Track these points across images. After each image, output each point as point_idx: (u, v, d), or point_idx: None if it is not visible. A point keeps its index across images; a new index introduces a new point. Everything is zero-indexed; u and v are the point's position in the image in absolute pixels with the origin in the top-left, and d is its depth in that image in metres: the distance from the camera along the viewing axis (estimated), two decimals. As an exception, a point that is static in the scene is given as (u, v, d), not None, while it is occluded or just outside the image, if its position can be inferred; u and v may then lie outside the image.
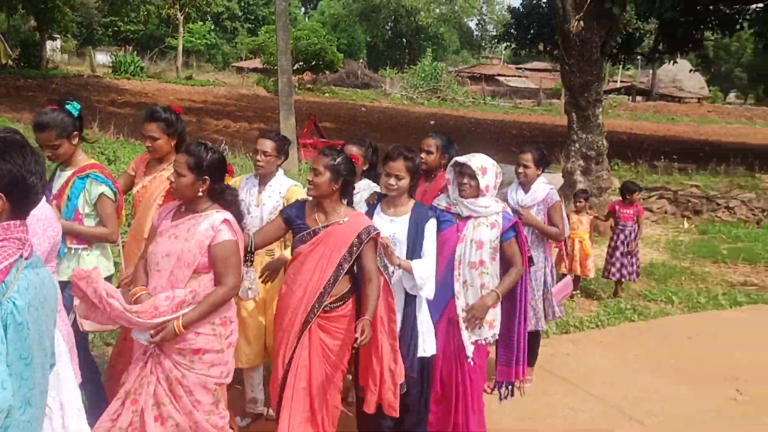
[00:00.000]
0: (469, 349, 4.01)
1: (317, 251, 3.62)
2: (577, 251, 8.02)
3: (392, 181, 3.88)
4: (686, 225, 12.98)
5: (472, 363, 4.02)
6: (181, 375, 3.33)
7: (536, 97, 50.42)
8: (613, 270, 8.24)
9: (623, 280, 8.30)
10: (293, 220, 3.73)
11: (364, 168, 4.60)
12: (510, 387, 4.44)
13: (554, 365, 5.96)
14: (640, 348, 6.62)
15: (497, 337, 4.18)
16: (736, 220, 13.43)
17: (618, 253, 8.22)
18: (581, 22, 10.45)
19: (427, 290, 3.86)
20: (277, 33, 13.78)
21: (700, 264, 10.26)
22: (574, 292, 8.18)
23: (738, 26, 18.78)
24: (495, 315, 4.10)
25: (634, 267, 8.24)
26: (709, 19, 19.16)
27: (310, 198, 3.74)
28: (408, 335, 3.89)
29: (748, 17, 17.29)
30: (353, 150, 4.50)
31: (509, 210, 4.22)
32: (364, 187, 4.46)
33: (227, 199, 3.50)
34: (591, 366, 6.06)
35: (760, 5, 15.60)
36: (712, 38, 30.65)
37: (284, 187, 4.44)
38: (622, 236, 8.24)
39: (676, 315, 7.83)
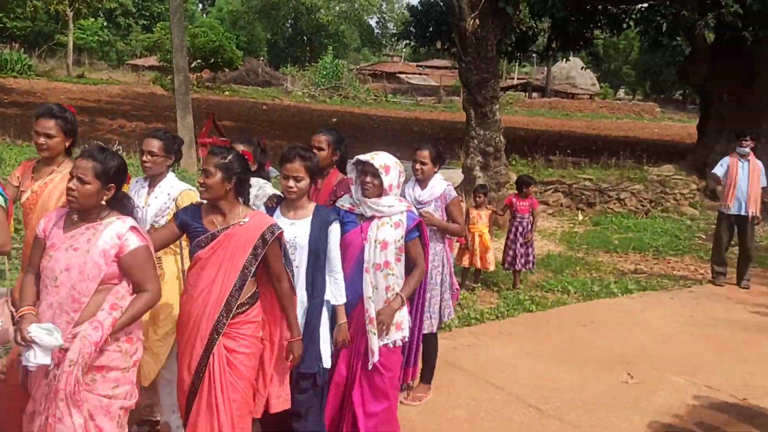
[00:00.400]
0: (376, 355, 3.94)
1: (218, 255, 3.47)
2: (477, 245, 8.20)
3: (291, 183, 3.77)
4: (580, 217, 13.47)
5: (376, 367, 3.95)
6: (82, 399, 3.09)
7: (437, 94, 51.20)
8: (516, 261, 8.44)
9: (522, 269, 8.54)
10: (189, 224, 3.55)
11: (253, 168, 4.50)
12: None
13: (456, 357, 6.07)
14: (538, 337, 6.83)
15: (406, 340, 4.15)
16: (626, 211, 14.04)
17: (517, 245, 8.44)
18: (477, 21, 10.65)
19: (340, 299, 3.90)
20: (171, 30, 13.45)
21: (593, 254, 10.67)
22: (474, 285, 8.38)
23: (625, 25, 19.50)
24: (402, 317, 4.06)
25: (531, 257, 8.49)
26: (598, 19, 19.85)
27: (205, 201, 3.60)
28: (308, 341, 3.79)
29: (633, 17, 17.97)
30: (240, 148, 4.40)
31: (414, 209, 4.20)
32: (253, 184, 4.35)
33: (127, 206, 3.35)
34: (492, 356, 6.21)
35: (645, 5, 16.27)
36: (602, 37, 31.85)
37: (175, 190, 4.23)
38: (520, 228, 8.47)
39: (572, 304, 8.11)
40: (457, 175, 12.37)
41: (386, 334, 3.99)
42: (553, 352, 6.43)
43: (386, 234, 3.95)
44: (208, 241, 3.49)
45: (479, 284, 8.44)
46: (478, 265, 8.25)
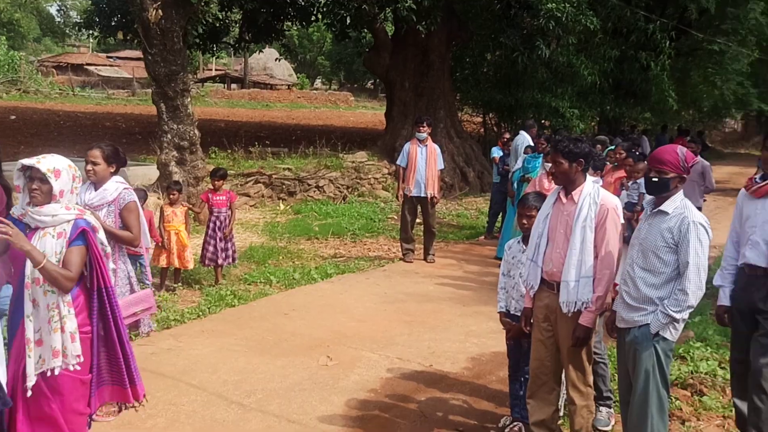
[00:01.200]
0: (31, 379, 3.52)
1: None
2: (174, 244, 7.95)
3: None
4: (282, 207, 13.70)
5: (42, 392, 3.55)
6: None
7: (130, 86, 48.79)
8: (217, 256, 8.31)
9: (224, 264, 8.45)
10: None
11: None
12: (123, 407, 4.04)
13: (155, 363, 5.82)
14: (241, 331, 6.79)
15: (77, 367, 3.65)
16: (325, 198, 14.57)
17: (216, 240, 8.31)
18: (159, 11, 10.26)
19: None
20: None
21: (295, 242, 10.90)
22: (175, 285, 8.12)
23: (313, 18, 20.22)
24: (65, 342, 3.57)
25: (230, 252, 8.43)
26: (288, 11, 20.36)
27: None
28: None
29: (321, 10, 18.62)
30: None
31: (89, 217, 3.83)
32: None
33: None
34: (193, 357, 6.05)
35: (330, -2, 16.92)
36: (295, 28, 32.63)
37: None
38: (218, 222, 8.35)
39: (275, 294, 8.20)
40: (153, 171, 11.90)
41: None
42: (256, 344, 6.45)
43: (47, 245, 3.55)
44: None
45: (180, 284, 8.20)
46: (177, 264, 8.01)
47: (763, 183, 4.22)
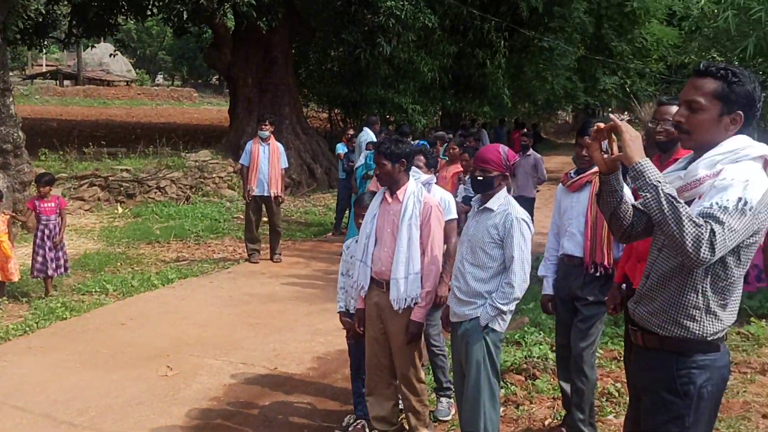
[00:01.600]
0: None
1: None
2: (-4, 255, 7.41)
3: None
4: (120, 210, 13.12)
5: None
6: None
7: (-50, 84, 44.96)
8: (47, 267, 7.81)
9: (54, 275, 7.96)
10: None
11: None
12: None
13: (-26, 387, 5.40)
14: (73, 345, 6.42)
15: None
16: (167, 200, 14.08)
17: (45, 249, 7.81)
18: (-27, 4, 9.51)
19: None
20: None
21: (135, 247, 10.46)
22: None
23: (149, 12, 19.44)
24: None
25: (62, 261, 7.96)
26: (121, 4, 19.45)
27: None
28: None
29: (156, 4, 17.95)
30: None
31: None
32: None
33: None
34: (19, 377, 5.65)
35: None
36: (132, 22, 31.26)
37: None
38: (46, 231, 7.85)
39: (111, 303, 7.82)
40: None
41: None
42: (89, 358, 6.11)
43: None
44: None
45: (4, 298, 7.64)
46: (0, 277, 7.46)
47: (577, 178, 4.49)
